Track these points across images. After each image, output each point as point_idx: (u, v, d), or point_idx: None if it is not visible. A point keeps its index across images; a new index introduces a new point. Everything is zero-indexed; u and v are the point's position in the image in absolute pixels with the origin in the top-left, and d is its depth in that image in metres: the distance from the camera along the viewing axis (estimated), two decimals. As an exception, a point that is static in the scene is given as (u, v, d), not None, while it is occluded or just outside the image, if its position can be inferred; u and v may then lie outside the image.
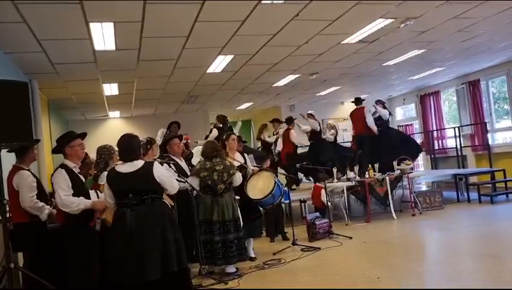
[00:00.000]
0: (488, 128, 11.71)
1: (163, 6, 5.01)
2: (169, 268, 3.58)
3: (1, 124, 3.66)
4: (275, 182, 5.76)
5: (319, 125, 9.73)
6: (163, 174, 3.83)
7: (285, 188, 6.40)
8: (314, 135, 9.70)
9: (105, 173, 4.64)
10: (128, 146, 3.78)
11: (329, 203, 7.66)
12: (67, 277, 3.96)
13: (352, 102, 9.54)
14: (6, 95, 3.73)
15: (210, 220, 5.13)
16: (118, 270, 3.54)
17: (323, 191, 7.50)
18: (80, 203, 3.87)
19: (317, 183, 7.75)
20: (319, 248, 6.21)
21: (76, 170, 4.08)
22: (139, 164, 3.73)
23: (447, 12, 6.25)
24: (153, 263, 3.51)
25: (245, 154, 6.29)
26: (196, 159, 5.87)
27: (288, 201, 7.41)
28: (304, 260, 5.77)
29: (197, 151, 6.46)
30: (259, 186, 5.82)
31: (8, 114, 3.71)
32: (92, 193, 4.26)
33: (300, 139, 9.88)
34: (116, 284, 3.55)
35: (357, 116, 9.33)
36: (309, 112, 9.79)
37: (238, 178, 5.37)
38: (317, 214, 7.46)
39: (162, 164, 4.35)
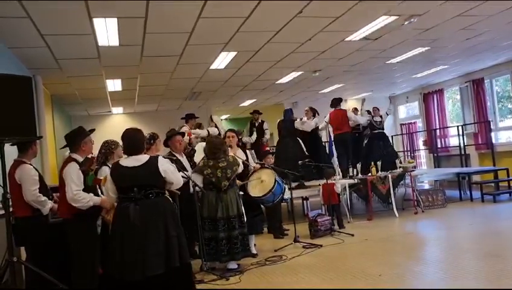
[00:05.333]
0: (491, 127, 11.68)
1: (167, 2, 5.01)
2: (171, 263, 3.60)
3: (5, 119, 3.67)
4: (275, 180, 5.75)
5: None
6: (169, 168, 3.85)
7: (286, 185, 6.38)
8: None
9: (105, 167, 4.67)
10: (132, 140, 3.79)
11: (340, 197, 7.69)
12: (72, 272, 3.98)
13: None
14: (10, 90, 3.75)
15: (214, 217, 5.13)
16: (121, 265, 3.54)
17: (337, 184, 7.49)
18: (90, 200, 3.91)
19: (326, 182, 7.61)
20: (321, 245, 6.22)
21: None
22: (144, 158, 3.73)
23: (450, 10, 6.23)
24: (155, 257, 3.52)
25: (247, 151, 6.29)
26: (199, 156, 5.88)
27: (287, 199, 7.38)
28: (305, 257, 5.78)
29: (199, 147, 6.46)
30: (260, 184, 5.82)
31: (11, 108, 3.72)
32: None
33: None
34: (118, 279, 3.56)
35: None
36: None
37: (239, 170, 5.43)
38: (319, 211, 7.48)
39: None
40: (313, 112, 9.23)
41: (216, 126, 8.31)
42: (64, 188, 3.96)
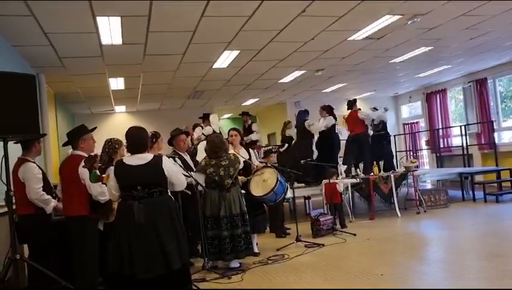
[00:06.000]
0: (494, 127, 11.65)
1: (170, 1, 5.02)
2: (183, 260, 3.65)
3: (9, 116, 3.69)
4: (277, 179, 5.75)
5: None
6: (172, 168, 3.86)
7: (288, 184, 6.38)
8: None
9: (112, 167, 4.67)
10: (137, 138, 3.80)
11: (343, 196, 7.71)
12: (74, 270, 3.99)
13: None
14: (14, 88, 3.77)
15: (217, 216, 5.13)
16: (125, 263, 3.54)
17: (339, 183, 7.49)
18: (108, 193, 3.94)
19: (328, 182, 7.57)
20: (323, 245, 6.22)
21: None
22: (148, 157, 3.75)
23: (454, 9, 6.22)
24: (174, 252, 3.57)
25: (250, 150, 6.29)
26: (200, 155, 5.89)
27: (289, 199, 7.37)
28: (307, 256, 5.78)
29: (201, 147, 6.48)
30: (262, 183, 5.82)
31: (15, 106, 3.73)
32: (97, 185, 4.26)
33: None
34: (121, 276, 3.56)
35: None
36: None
37: (240, 167, 5.45)
38: (321, 210, 7.48)
39: (168, 157, 4.38)
40: (328, 110, 9.10)
41: (210, 126, 8.41)
42: (75, 185, 4.00)
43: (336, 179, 7.65)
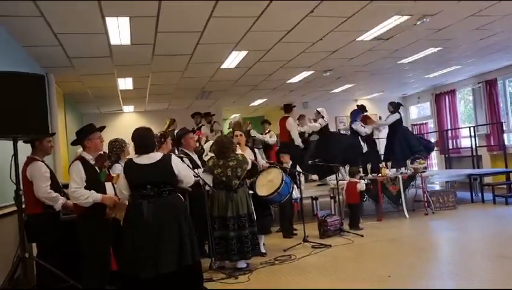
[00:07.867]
0: (504, 128, 11.54)
1: (179, 1, 5.03)
2: (184, 261, 3.62)
3: (18, 116, 3.72)
4: (283, 180, 5.73)
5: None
6: (181, 167, 3.89)
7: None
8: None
9: (117, 165, 4.70)
10: (144, 139, 3.83)
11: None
12: (82, 269, 4.01)
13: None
14: (24, 88, 3.80)
15: (225, 216, 5.13)
16: (133, 262, 3.57)
17: (359, 184, 7.46)
18: (89, 197, 3.88)
19: (351, 179, 7.60)
20: (330, 245, 6.21)
21: (92, 162, 4.13)
22: (157, 156, 3.78)
23: (464, 9, 6.17)
24: (169, 255, 3.55)
25: (255, 150, 6.28)
26: (208, 154, 5.91)
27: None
28: (314, 256, 5.77)
29: (207, 147, 6.50)
30: (267, 183, 5.82)
31: (25, 106, 3.77)
32: (108, 185, 4.28)
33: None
34: (130, 275, 3.59)
35: None
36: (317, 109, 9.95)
37: (248, 167, 5.44)
38: (328, 211, 7.46)
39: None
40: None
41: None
42: None
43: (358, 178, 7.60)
